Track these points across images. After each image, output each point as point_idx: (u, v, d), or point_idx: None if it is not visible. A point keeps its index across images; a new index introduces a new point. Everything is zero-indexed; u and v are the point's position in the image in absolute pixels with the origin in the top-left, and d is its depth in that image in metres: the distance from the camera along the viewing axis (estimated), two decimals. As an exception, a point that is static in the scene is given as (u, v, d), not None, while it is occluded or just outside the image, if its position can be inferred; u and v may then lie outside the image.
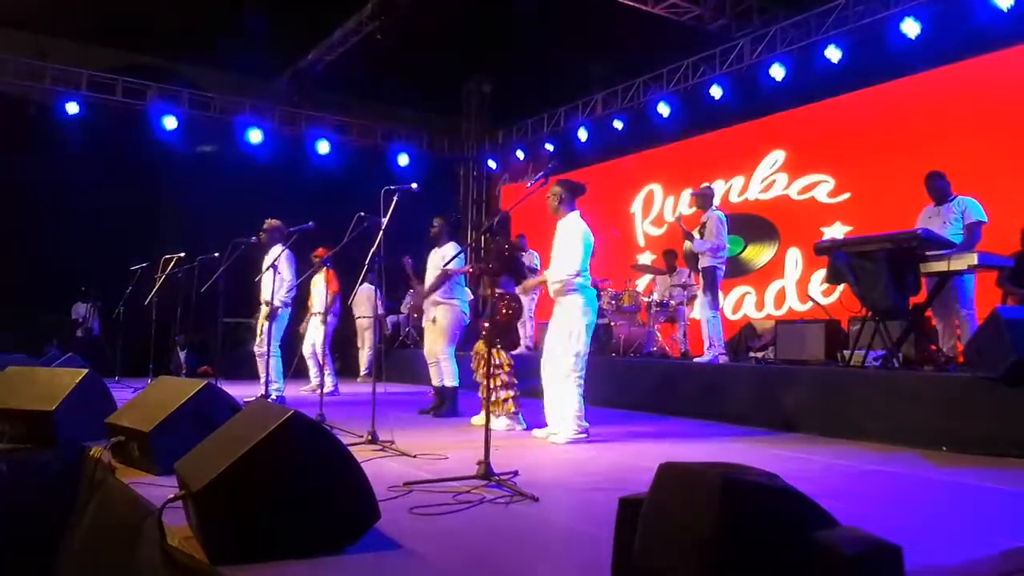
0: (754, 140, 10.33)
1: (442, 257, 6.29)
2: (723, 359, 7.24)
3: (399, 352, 11.41)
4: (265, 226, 7.26)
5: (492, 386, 5.42)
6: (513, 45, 11.60)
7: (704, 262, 7.27)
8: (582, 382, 4.94)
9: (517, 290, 6.05)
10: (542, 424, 5.37)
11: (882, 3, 8.64)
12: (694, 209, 7.78)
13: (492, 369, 5.45)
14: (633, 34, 10.84)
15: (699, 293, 7.39)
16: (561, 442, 4.87)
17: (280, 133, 13.07)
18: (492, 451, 3.45)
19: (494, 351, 5.51)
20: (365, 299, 9.74)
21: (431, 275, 6.46)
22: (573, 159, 12.22)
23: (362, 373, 10.68)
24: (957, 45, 8.13)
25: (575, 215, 5.06)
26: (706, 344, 7.26)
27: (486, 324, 5.52)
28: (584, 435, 4.93)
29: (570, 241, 4.93)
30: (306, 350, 8.53)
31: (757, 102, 10.04)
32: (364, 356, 10.78)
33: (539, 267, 8.61)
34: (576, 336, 4.92)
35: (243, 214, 8.70)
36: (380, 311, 10.51)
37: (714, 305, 7.23)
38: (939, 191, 6.17)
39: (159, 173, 11.74)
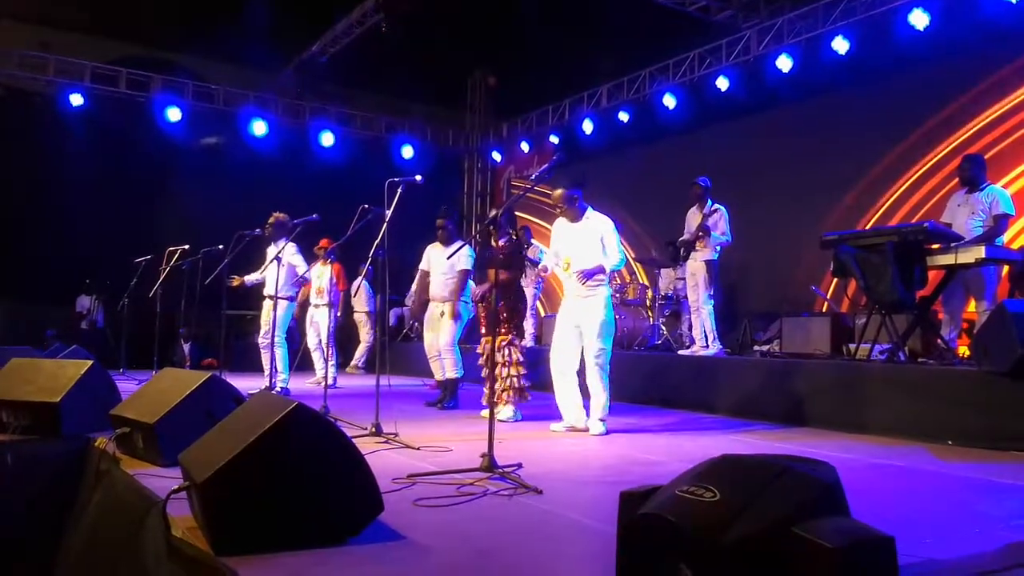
0: (760, 132, 10.27)
1: (450, 256, 6.26)
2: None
3: (403, 345, 11.42)
4: (271, 220, 7.28)
5: (517, 374, 5.47)
6: (518, 37, 11.53)
7: (707, 255, 7.25)
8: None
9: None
10: (545, 416, 5.38)
11: (890, -7, 8.57)
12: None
13: (513, 358, 5.49)
14: (639, 25, 10.78)
15: (699, 285, 7.33)
16: (602, 433, 4.93)
17: (284, 125, 13.05)
18: (496, 444, 3.46)
19: (512, 342, 5.55)
20: (360, 292, 9.79)
21: (439, 276, 6.49)
22: (578, 151, 12.17)
23: (351, 364, 10.73)
24: (966, 37, 8.06)
25: (591, 210, 5.13)
26: (710, 337, 7.25)
27: (500, 317, 5.52)
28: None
29: (611, 234, 5.00)
30: (311, 342, 8.55)
31: (764, 94, 9.98)
32: (359, 349, 10.84)
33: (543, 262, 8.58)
34: (607, 330, 4.99)
35: (247, 206, 8.70)
36: (372, 305, 10.63)
37: (714, 297, 7.24)
38: (968, 176, 5.97)
39: (163, 165, 11.73)
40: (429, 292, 6.63)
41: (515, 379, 5.53)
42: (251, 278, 7.37)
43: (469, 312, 6.46)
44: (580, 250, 5.02)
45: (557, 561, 2.38)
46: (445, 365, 6.45)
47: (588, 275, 4.90)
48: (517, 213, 6.76)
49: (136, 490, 3.01)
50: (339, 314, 9.20)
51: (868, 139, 9.07)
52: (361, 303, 10.59)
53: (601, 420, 4.99)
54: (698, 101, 10.81)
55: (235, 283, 7.17)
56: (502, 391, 5.52)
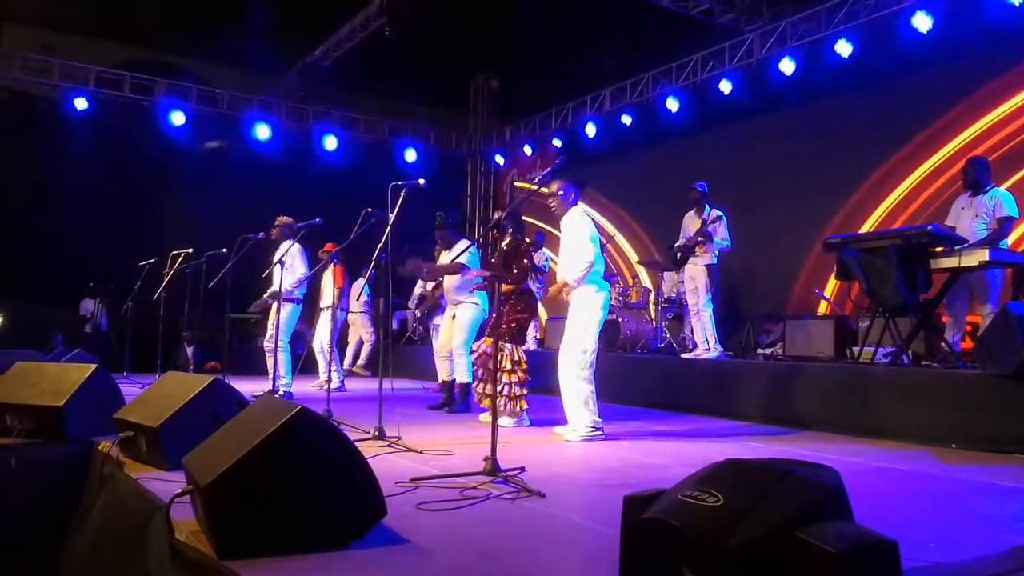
0: (763, 135, 10.27)
1: (455, 258, 6.43)
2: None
3: (405, 348, 11.42)
4: (276, 223, 7.31)
5: (509, 381, 5.41)
6: (521, 40, 11.55)
7: (706, 259, 7.25)
8: (592, 379, 4.89)
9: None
10: (549, 421, 5.37)
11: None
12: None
13: (512, 366, 5.45)
14: (641, 28, 10.79)
15: (699, 289, 7.32)
16: (575, 440, 4.84)
17: (287, 129, 13.08)
18: (499, 447, 3.46)
19: (513, 348, 5.51)
20: (361, 294, 9.80)
21: (448, 279, 6.60)
22: (581, 154, 12.18)
23: (357, 365, 10.73)
24: (969, 40, 8.05)
25: (577, 210, 5.11)
26: (711, 341, 7.24)
27: (504, 323, 5.51)
28: (599, 432, 4.88)
29: (578, 235, 4.94)
30: (316, 345, 8.55)
31: (767, 97, 9.98)
32: (349, 351, 10.83)
33: (548, 268, 8.61)
34: (585, 332, 4.88)
35: (250, 209, 8.72)
36: (368, 308, 10.63)
37: (714, 301, 7.25)
38: (972, 179, 5.94)
39: (167, 169, 11.77)
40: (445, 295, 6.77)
41: (508, 387, 5.43)
42: (268, 294, 7.37)
43: (483, 315, 6.47)
44: (562, 249, 5.08)
45: (560, 564, 2.38)
46: (456, 368, 6.46)
47: (560, 287, 4.96)
48: (523, 218, 6.78)
49: (140, 494, 3.02)
50: (345, 314, 9.20)
51: (871, 142, 9.06)
52: (358, 303, 10.57)
53: (583, 425, 4.84)
54: (701, 104, 10.81)
55: (259, 305, 7.36)
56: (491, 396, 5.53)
